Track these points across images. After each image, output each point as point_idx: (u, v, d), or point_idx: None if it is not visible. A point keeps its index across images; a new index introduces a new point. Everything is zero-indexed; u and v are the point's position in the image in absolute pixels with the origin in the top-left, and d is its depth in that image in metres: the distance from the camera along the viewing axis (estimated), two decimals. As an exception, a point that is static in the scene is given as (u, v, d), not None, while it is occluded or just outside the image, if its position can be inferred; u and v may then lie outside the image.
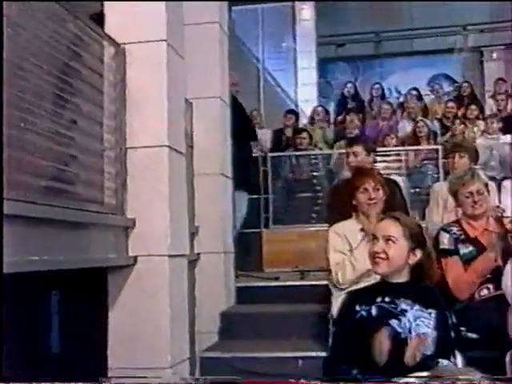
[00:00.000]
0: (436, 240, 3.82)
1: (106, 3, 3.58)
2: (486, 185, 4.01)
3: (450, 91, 10.87)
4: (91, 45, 3.35)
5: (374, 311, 2.85)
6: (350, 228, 3.93)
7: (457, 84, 11.23)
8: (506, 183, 5.20)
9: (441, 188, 5.29)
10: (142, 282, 3.46)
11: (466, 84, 9.62)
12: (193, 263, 4.68)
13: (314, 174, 7.95)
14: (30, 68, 2.72)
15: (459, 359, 3.03)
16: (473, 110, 8.44)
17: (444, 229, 3.90)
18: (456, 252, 3.80)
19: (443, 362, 2.75)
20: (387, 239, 2.87)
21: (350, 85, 9.96)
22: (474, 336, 3.56)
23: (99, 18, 3.52)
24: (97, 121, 3.36)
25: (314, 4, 12.54)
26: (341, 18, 13.02)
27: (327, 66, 13.79)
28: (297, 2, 12.51)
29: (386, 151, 7.49)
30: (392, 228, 2.90)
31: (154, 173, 3.50)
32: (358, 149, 4.80)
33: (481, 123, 8.13)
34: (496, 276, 3.62)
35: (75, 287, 3.48)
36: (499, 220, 3.95)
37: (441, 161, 7.34)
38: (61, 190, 2.93)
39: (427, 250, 2.97)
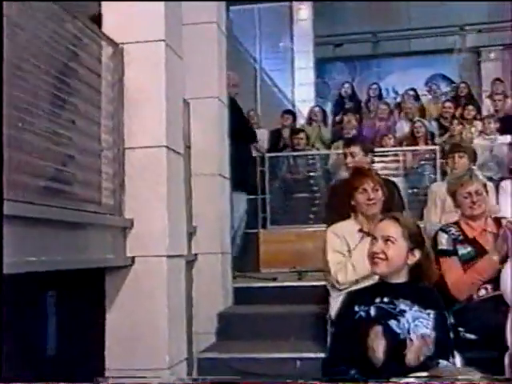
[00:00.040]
0: (434, 240, 3.81)
1: (103, 3, 3.56)
2: (485, 185, 4.01)
3: (447, 91, 10.86)
4: (89, 45, 3.34)
5: (372, 312, 2.85)
6: (348, 228, 3.92)
7: (454, 84, 11.26)
8: (504, 184, 5.18)
9: (439, 188, 5.30)
10: (140, 282, 3.44)
11: (463, 84, 9.64)
12: (190, 264, 4.68)
13: (312, 174, 7.95)
14: (27, 68, 2.70)
15: (458, 359, 3.03)
16: (470, 111, 8.46)
17: (442, 229, 3.90)
18: (455, 252, 3.80)
19: (442, 362, 2.75)
20: (386, 239, 2.87)
21: (347, 85, 9.96)
22: (472, 337, 3.56)
23: (98, 19, 3.50)
24: (95, 121, 3.34)
25: (312, 4, 12.53)
26: (338, 18, 13.02)
27: (324, 66, 13.79)
28: (294, 2, 12.49)
29: (383, 152, 7.49)
30: (391, 228, 2.90)
31: (152, 173, 3.49)
32: (356, 149, 4.80)
33: (478, 123, 8.15)
34: (495, 276, 3.61)
35: (72, 288, 3.46)
36: (498, 221, 3.95)
37: (438, 161, 7.36)
38: (58, 190, 2.91)
39: (426, 251, 2.98)
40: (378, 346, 2.64)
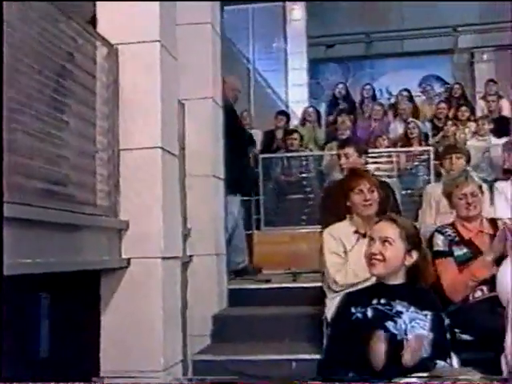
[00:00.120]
0: (430, 242, 3.81)
1: (98, 4, 3.55)
2: (480, 187, 4.01)
3: (440, 92, 10.88)
4: (84, 45, 3.32)
5: (369, 313, 2.84)
6: (344, 230, 3.92)
7: (448, 85, 11.28)
8: (499, 185, 5.19)
9: (433, 190, 5.30)
10: (135, 284, 3.43)
11: (457, 85, 9.66)
12: (185, 265, 4.66)
13: (305, 175, 7.95)
14: (21, 68, 2.68)
15: (454, 360, 3.02)
16: (464, 112, 8.49)
17: (438, 230, 3.90)
18: (450, 254, 3.81)
19: (439, 363, 2.75)
20: (384, 240, 2.87)
21: (341, 85, 9.96)
22: (468, 338, 3.56)
23: (93, 20, 3.49)
24: (89, 122, 3.32)
25: (305, 4, 12.53)
26: (331, 19, 13.01)
27: (318, 67, 13.79)
28: (287, 2, 12.48)
29: (377, 153, 7.48)
30: (389, 229, 2.90)
31: (147, 174, 3.48)
32: (350, 150, 4.80)
33: (472, 124, 8.17)
34: (490, 278, 3.61)
35: (67, 289, 3.44)
36: (493, 222, 3.95)
37: (432, 162, 7.36)
38: (53, 192, 2.90)
39: (423, 252, 2.98)
40: (380, 350, 2.63)
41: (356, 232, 3.87)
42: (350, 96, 9.84)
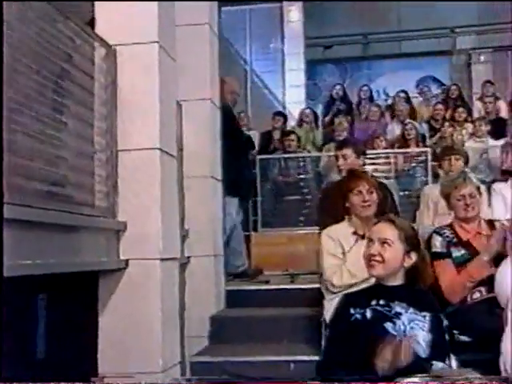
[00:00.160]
0: (428, 243, 3.81)
1: (96, 4, 3.54)
2: (478, 188, 4.01)
3: (438, 93, 10.90)
4: (82, 46, 3.32)
5: (368, 314, 2.85)
6: (342, 231, 3.91)
7: (445, 86, 11.29)
8: (497, 186, 5.20)
9: (431, 191, 5.31)
10: (134, 285, 3.42)
11: (454, 87, 9.66)
12: (183, 266, 4.65)
13: (303, 176, 7.95)
14: (19, 69, 2.68)
15: (453, 362, 3.02)
16: (461, 113, 8.49)
17: (436, 232, 3.90)
18: (448, 255, 3.81)
19: (438, 364, 2.75)
20: (383, 242, 2.87)
21: (338, 87, 9.96)
22: (466, 339, 3.56)
23: (91, 20, 3.48)
24: (88, 123, 3.32)
25: (302, 5, 12.53)
26: (328, 20, 13.02)
27: (315, 68, 13.80)
28: (285, 3, 12.48)
29: (375, 154, 7.48)
30: (388, 231, 2.90)
31: (145, 175, 3.47)
32: (348, 151, 4.80)
33: (469, 126, 8.17)
34: (488, 279, 3.61)
35: (65, 290, 3.43)
36: (491, 223, 3.95)
37: (430, 163, 7.36)
38: (52, 192, 2.89)
39: (422, 253, 2.98)
40: (388, 356, 2.62)
41: (354, 233, 3.86)
42: (348, 97, 9.84)
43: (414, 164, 7.68)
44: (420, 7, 12.53)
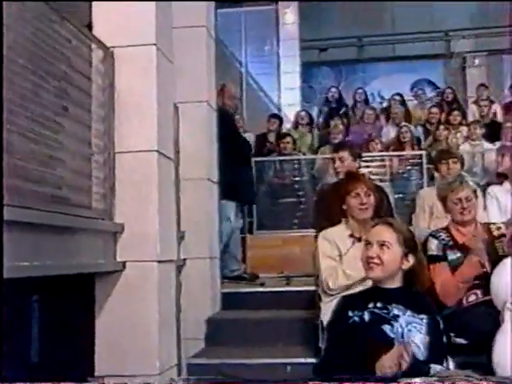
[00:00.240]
0: (424, 246, 3.81)
1: (94, 6, 3.54)
2: (475, 191, 4.02)
3: (432, 97, 10.93)
4: (79, 47, 3.31)
5: (366, 317, 2.85)
6: (339, 234, 3.91)
7: (439, 90, 11.33)
8: (491, 189, 5.21)
9: (427, 194, 5.32)
10: (131, 287, 3.43)
11: (449, 90, 9.70)
12: (178, 269, 4.64)
13: (298, 179, 7.94)
14: (16, 69, 2.67)
15: (450, 364, 3.03)
16: (456, 116, 8.51)
17: (432, 235, 3.90)
18: (444, 258, 3.81)
19: (436, 367, 2.76)
20: (381, 244, 2.88)
21: (334, 89, 9.99)
22: (462, 341, 3.57)
23: (89, 22, 3.49)
24: (85, 125, 3.32)
25: (298, 8, 12.53)
26: (324, 23, 13.06)
27: (310, 71, 13.81)
28: (280, 6, 12.49)
29: (370, 156, 7.49)
30: (386, 233, 2.90)
31: (142, 178, 3.48)
32: (345, 154, 4.81)
33: (464, 129, 8.18)
34: (484, 282, 3.62)
35: (62, 292, 3.43)
36: (487, 226, 3.96)
37: (425, 166, 7.37)
38: (49, 194, 2.89)
39: (419, 256, 2.99)
40: (393, 362, 2.62)
41: (351, 236, 3.86)
42: (343, 100, 9.87)
43: (409, 167, 7.68)
44: (414, 10, 12.56)
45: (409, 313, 2.85)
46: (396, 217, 4.90)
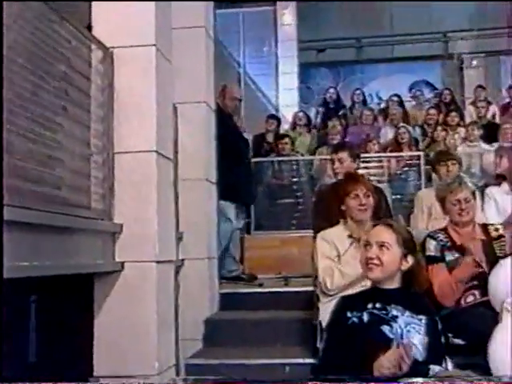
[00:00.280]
0: (422, 247, 3.82)
1: (94, 7, 3.54)
2: (473, 192, 4.04)
3: (430, 98, 10.94)
4: (79, 48, 3.31)
5: (365, 317, 2.85)
6: (337, 234, 3.92)
7: (437, 91, 11.33)
8: (489, 190, 5.22)
9: (425, 195, 5.32)
10: (129, 287, 3.42)
11: (447, 91, 9.70)
12: (177, 269, 4.64)
13: (296, 179, 7.94)
14: (16, 69, 2.67)
15: (449, 364, 3.03)
16: (454, 117, 8.51)
17: (431, 236, 3.91)
18: (442, 259, 3.82)
19: (435, 367, 2.76)
20: (381, 245, 2.89)
21: (332, 90, 9.99)
22: (460, 342, 3.58)
23: (88, 23, 3.49)
24: (84, 125, 3.31)
25: (296, 8, 12.53)
26: (322, 24, 13.06)
27: (308, 72, 13.81)
28: (278, 6, 12.49)
29: (368, 157, 7.49)
30: (386, 234, 2.91)
31: (141, 178, 3.47)
32: (344, 155, 4.80)
33: (461, 130, 8.18)
34: (482, 282, 3.63)
35: (61, 293, 3.43)
36: (485, 227, 3.97)
37: (423, 167, 7.37)
38: (48, 194, 2.89)
39: (418, 257, 2.99)
40: (393, 363, 2.62)
41: (350, 236, 3.86)
42: (341, 101, 9.87)
43: (406, 168, 7.68)
44: (413, 10, 12.58)
45: (407, 313, 2.86)
46: (399, 217, 4.91)
